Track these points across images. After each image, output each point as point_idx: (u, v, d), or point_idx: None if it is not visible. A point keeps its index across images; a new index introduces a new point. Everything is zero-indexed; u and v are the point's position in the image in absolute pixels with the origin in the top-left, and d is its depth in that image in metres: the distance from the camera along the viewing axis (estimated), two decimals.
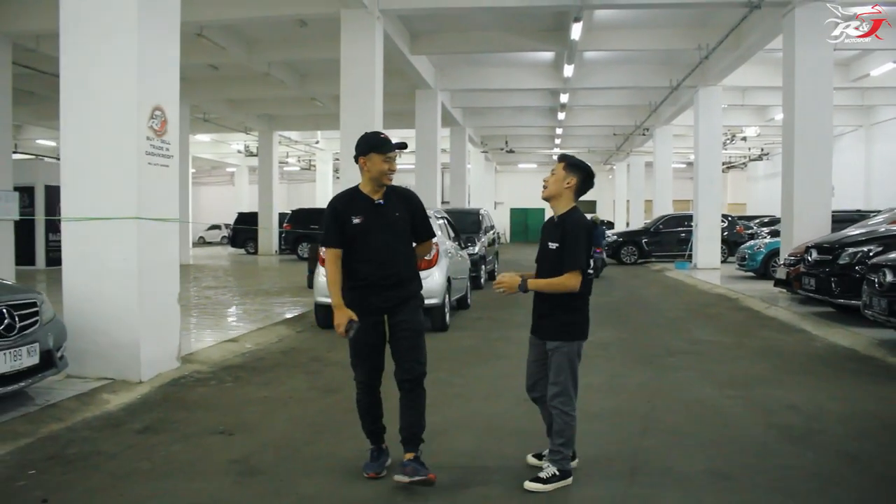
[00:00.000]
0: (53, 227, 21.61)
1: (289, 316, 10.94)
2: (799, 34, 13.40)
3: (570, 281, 4.05)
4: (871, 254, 9.74)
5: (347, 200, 4.32)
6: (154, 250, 6.74)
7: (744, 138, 34.39)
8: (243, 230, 32.58)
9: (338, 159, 41.22)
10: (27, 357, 5.37)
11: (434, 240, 4.66)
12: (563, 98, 24.28)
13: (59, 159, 24.54)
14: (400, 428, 4.28)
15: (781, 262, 13.33)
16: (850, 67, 21.68)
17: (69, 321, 6.34)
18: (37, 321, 5.62)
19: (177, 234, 7.25)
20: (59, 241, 19.53)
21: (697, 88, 21.32)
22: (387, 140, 4.28)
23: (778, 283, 13.33)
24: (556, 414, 4.15)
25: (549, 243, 4.19)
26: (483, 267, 16.11)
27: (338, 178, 45.15)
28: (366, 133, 4.37)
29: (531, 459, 4.48)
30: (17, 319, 5.38)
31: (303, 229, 27.70)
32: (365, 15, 13.57)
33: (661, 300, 14.32)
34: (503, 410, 5.91)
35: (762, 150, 39.89)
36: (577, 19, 14.85)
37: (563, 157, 4.30)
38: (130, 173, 6.44)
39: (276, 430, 5.35)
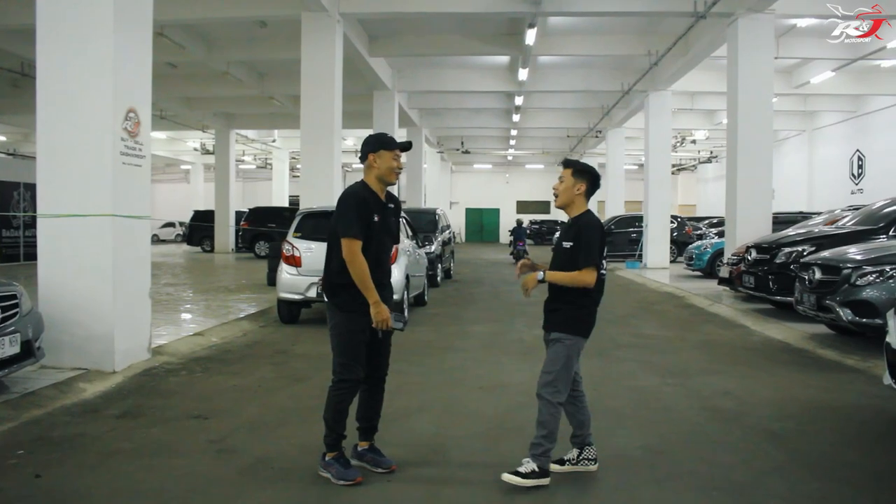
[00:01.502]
0: (6, 222, 21.52)
1: (251, 311, 11.23)
2: (742, 44, 14.08)
3: (586, 276, 4.15)
4: (805, 253, 10.35)
5: (368, 196, 4.33)
6: (127, 246, 7.03)
7: (693, 141, 35.38)
8: (199, 228, 32.51)
9: (294, 158, 41.38)
10: (9, 346, 5.65)
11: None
12: (518, 100, 24.82)
13: (10, 154, 24.46)
14: (359, 418, 4.46)
15: (725, 262, 13.99)
16: (792, 75, 22.58)
17: (45, 313, 6.59)
18: (17, 312, 5.89)
19: (148, 231, 7.55)
20: (13, 237, 19.44)
21: (648, 93, 21.99)
22: (394, 139, 4.44)
23: (721, 281, 13.98)
24: (542, 404, 4.17)
25: (564, 243, 4.31)
26: (439, 265, 16.51)
27: (296, 176, 45.26)
28: (373, 133, 4.54)
29: (553, 466, 4.32)
30: None
31: (260, 227, 27.77)
32: (325, 17, 13.91)
33: (611, 298, 14.80)
34: (459, 396, 6.34)
35: (711, 152, 40.99)
36: (531, 25, 15.37)
37: (568, 164, 4.40)
38: (105, 172, 6.74)
39: (248, 414, 5.71)
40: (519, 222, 29.68)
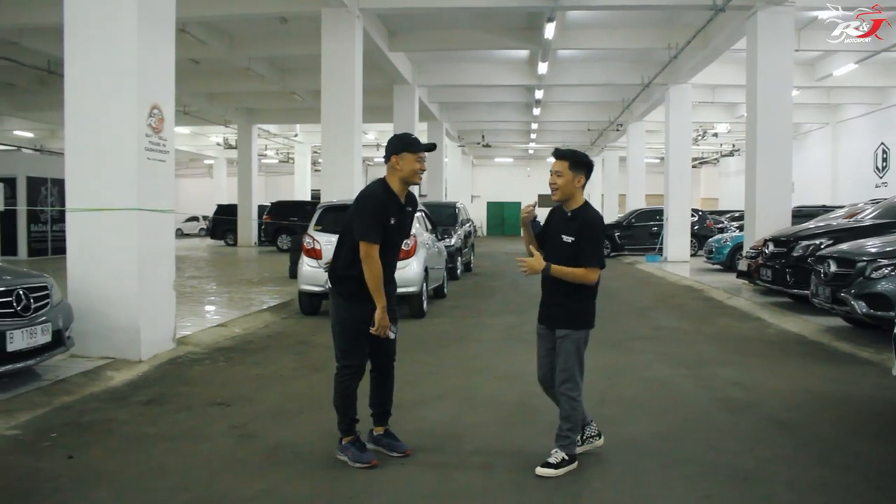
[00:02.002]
0: (34, 217, 21.90)
1: (273, 303, 11.44)
2: (761, 37, 14.05)
3: (591, 275, 4.21)
4: (822, 246, 10.37)
5: (388, 198, 4.36)
6: (152, 239, 7.24)
7: (715, 134, 35.24)
8: (222, 222, 32.87)
9: (316, 152, 41.66)
10: (41, 335, 5.87)
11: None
12: (538, 94, 24.86)
13: (38, 150, 24.94)
14: (372, 404, 4.58)
15: (743, 255, 14.02)
16: (814, 67, 22.42)
17: (73, 304, 6.80)
18: (48, 303, 6.12)
19: (172, 225, 7.76)
20: (41, 232, 19.89)
21: (668, 86, 21.93)
22: (418, 140, 4.44)
23: (740, 274, 13.99)
24: (563, 399, 4.26)
25: (563, 236, 4.27)
26: (459, 258, 16.66)
27: (318, 170, 45.55)
28: (397, 134, 4.59)
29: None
30: (31, 301, 5.87)
31: (282, 221, 28.05)
32: (345, 13, 14.06)
33: (630, 291, 14.94)
34: (476, 385, 6.50)
35: (733, 145, 40.72)
36: (550, 19, 15.41)
37: (563, 155, 4.32)
38: (131, 168, 6.94)
39: (269, 401, 5.90)
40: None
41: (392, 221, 4.32)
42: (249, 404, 5.78)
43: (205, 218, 42.91)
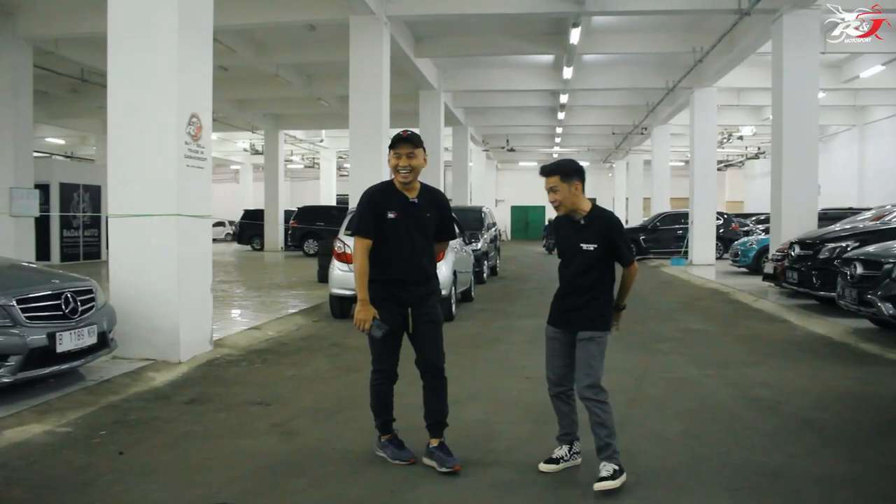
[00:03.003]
0: (67, 223, 22.34)
1: (304, 307, 11.66)
2: (787, 40, 14.09)
3: (634, 270, 4.31)
4: (848, 248, 10.41)
5: (384, 193, 4.41)
6: (191, 244, 7.47)
7: (740, 137, 35.10)
8: (249, 227, 33.26)
9: (341, 157, 42.03)
10: (87, 337, 6.09)
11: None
12: (563, 98, 24.98)
13: (68, 157, 25.39)
14: (425, 415, 4.52)
15: (770, 258, 14.04)
16: (841, 69, 22.36)
17: (115, 307, 7.03)
18: (93, 306, 6.34)
19: (209, 230, 7.99)
20: (73, 237, 20.30)
21: (693, 89, 21.98)
22: (396, 137, 4.37)
23: (766, 277, 14.03)
24: (591, 405, 4.15)
25: (583, 245, 4.21)
26: (486, 262, 16.80)
27: (342, 175, 45.90)
28: None
29: (545, 467, 4.36)
30: (78, 304, 6.10)
31: (309, 226, 28.36)
32: (373, 21, 14.28)
33: (656, 294, 15.01)
34: (506, 385, 6.67)
35: (759, 148, 40.56)
36: (575, 24, 15.57)
37: (551, 171, 4.27)
38: (171, 174, 7.17)
39: (307, 401, 6.09)
40: (551, 221, 30.94)
41: (390, 215, 4.32)
42: (288, 404, 5.97)
43: (231, 223, 43.36)
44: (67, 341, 5.84)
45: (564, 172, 4.25)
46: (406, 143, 4.35)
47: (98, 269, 16.98)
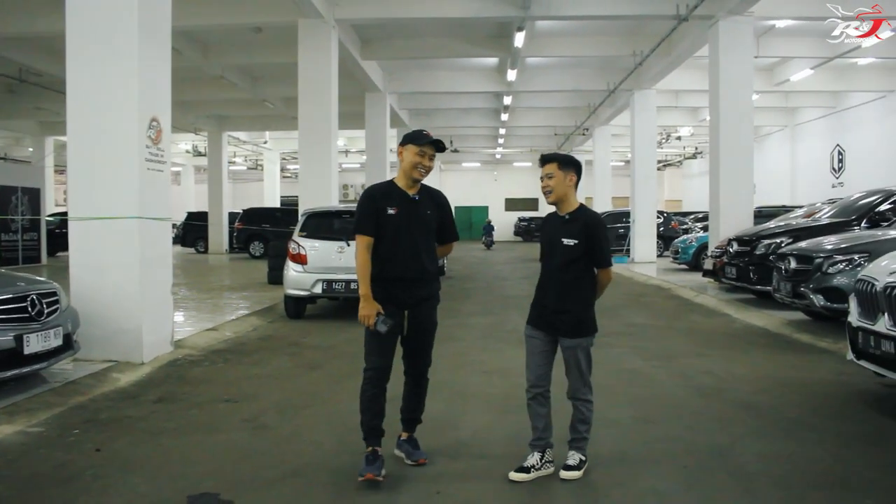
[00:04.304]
0: (5, 226, 21.86)
1: (257, 308, 11.73)
2: (722, 45, 14.71)
3: (609, 276, 4.35)
4: (782, 244, 10.95)
5: (384, 190, 4.44)
6: (152, 246, 7.56)
7: (678, 138, 36.10)
8: (193, 229, 32.90)
9: (285, 159, 41.89)
10: (54, 339, 6.16)
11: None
12: (507, 100, 25.41)
13: (2, 159, 24.79)
14: (402, 409, 4.61)
15: (709, 255, 14.60)
16: (773, 73, 23.23)
17: (77, 310, 7.08)
18: (58, 308, 6.41)
19: (169, 232, 8.08)
20: (12, 241, 19.85)
21: (633, 91, 22.61)
22: (425, 134, 4.38)
23: (706, 273, 14.59)
24: (580, 404, 4.31)
25: (564, 240, 4.25)
26: None
27: (286, 177, 45.67)
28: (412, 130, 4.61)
29: (515, 476, 4.27)
30: (44, 306, 6.17)
31: (255, 228, 28.24)
32: (321, 24, 14.44)
33: None
34: (465, 379, 6.91)
35: (696, 148, 41.68)
36: (520, 28, 15.95)
37: (551, 158, 4.34)
38: (132, 178, 7.25)
39: (273, 397, 6.25)
40: (488, 222, 41.90)
41: (390, 211, 4.33)
42: (255, 401, 6.13)
43: (174, 225, 42.78)
44: (34, 343, 5.91)
45: (563, 161, 4.33)
46: (433, 147, 4.39)
47: (41, 273, 16.73)
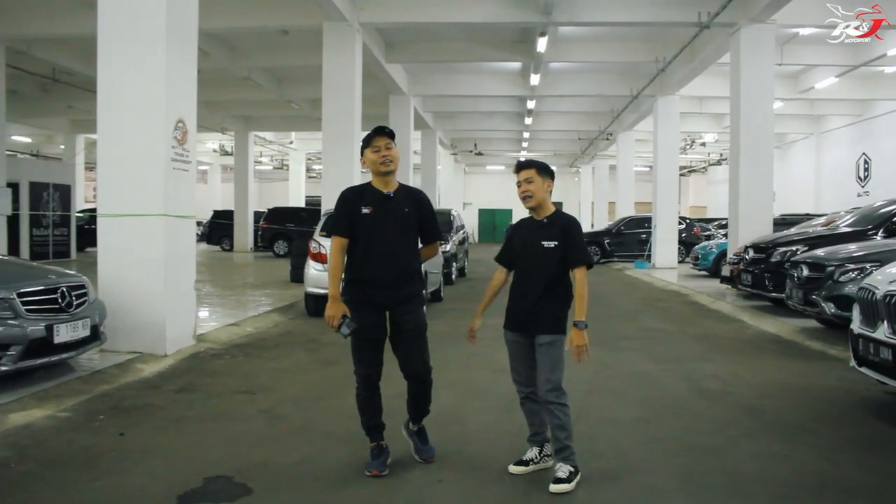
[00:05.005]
0: (36, 222, 22.37)
1: (279, 305, 12.02)
2: (744, 52, 14.79)
3: (585, 276, 4.28)
4: (798, 252, 11.03)
5: (359, 190, 4.44)
6: (176, 243, 7.85)
7: (703, 144, 36.04)
8: (218, 227, 33.36)
9: (311, 159, 42.32)
10: (82, 329, 6.46)
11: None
12: (530, 104, 25.56)
13: (34, 155, 25.37)
14: (408, 408, 4.59)
15: (727, 261, 14.67)
16: (798, 80, 23.22)
17: (104, 302, 7.37)
18: (86, 300, 6.70)
19: (193, 230, 8.36)
20: (43, 236, 20.39)
21: (656, 97, 22.67)
22: (370, 134, 4.38)
23: (724, 280, 14.66)
24: (553, 408, 4.22)
25: (545, 243, 4.29)
26: (454, 264, 17.25)
27: (311, 177, 46.08)
28: None
29: (514, 469, 4.44)
30: (73, 298, 6.46)
31: (279, 227, 28.61)
32: (346, 27, 14.70)
33: (618, 296, 15.57)
34: (475, 377, 7.14)
35: (721, 155, 41.50)
36: (542, 34, 16.12)
37: (529, 165, 4.39)
38: (159, 177, 7.56)
39: (290, 390, 6.51)
40: (510, 225, 36.51)
41: (364, 211, 4.30)
42: (272, 392, 6.38)
43: (200, 224, 43.36)
44: (64, 333, 6.21)
45: (540, 167, 4.40)
46: (382, 136, 4.37)
47: (71, 267, 17.17)
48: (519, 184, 4.41)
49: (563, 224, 4.36)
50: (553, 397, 4.23)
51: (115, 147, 7.68)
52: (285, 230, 28.24)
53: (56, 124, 31.36)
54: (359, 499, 4.06)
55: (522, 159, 4.59)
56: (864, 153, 28.08)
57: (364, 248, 4.31)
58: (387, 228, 4.32)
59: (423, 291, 4.50)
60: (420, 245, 4.59)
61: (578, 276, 4.29)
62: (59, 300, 6.32)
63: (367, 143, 4.38)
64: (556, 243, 4.30)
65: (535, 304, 4.33)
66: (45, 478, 4.26)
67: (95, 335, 6.76)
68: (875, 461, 4.75)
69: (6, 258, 7.65)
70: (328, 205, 14.28)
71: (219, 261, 25.90)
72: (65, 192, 23.58)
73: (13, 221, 21.08)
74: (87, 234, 26.86)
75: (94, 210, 31.12)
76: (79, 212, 26.97)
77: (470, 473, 4.45)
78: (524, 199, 4.39)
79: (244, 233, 31.81)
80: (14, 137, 35.04)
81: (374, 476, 4.34)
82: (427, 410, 4.62)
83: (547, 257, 4.31)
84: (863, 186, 27.91)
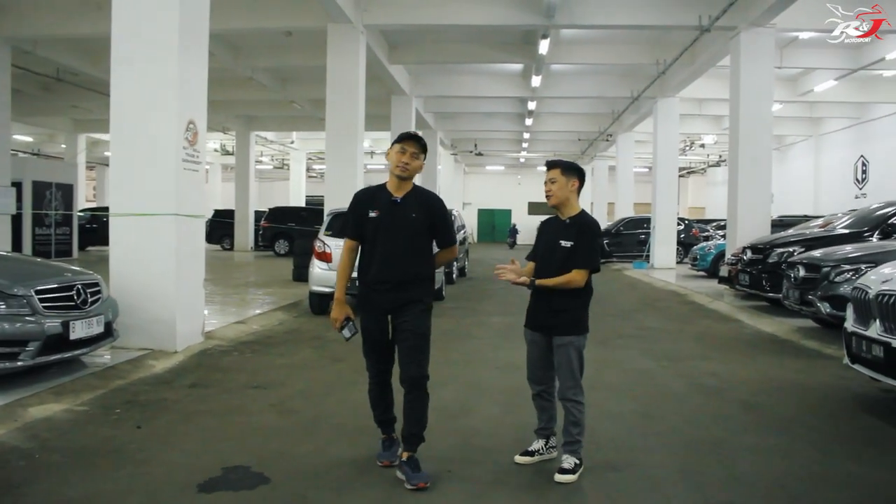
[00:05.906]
0: (38, 221, 22.50)
1: (283, 304, 12.18)
2: (744, 55, 14.94)
3: (578, 277, 4.32)
4: (794, 253, 11.20)
5: (370, 193, 4.45)
6: (187, 241, 8.02)
7: (702, 145, 36.21)
8: (219, 226, 33.50)
9: (311, 159, 42.46)
10: (96, 326, 6.62)
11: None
12: (531, 105, 25.74)
13: (35, 154, 25.47)
14: (402, 426, 4.39)
15: (725, 262, 14.85)
16: (797, 83, 23.37)
17: (116, 300, 7.53)
18: (100, 298, 6.86)
19: (203, 229, 8.53)
20: (45, 235, 20.54)
21: (656, 99, 22.83)
22: (406, 134, 4.40)
23: (722, 280, 14.84)
24: (570, 406, 4.38)
25: (562, 241, 4.38)
26: (455, 264, 17.41)
27: (311, 176, 46.20)
28: None
29: (520, 458, 4.60)
30: (88, 295, 6.62)
31: (280, 226, 28.76)
32: (350, 29, 14.84)
33: (618, 296, 15.75)
34: (479, 374, 7.32)
35: (720, 156, 41.62)
36: (544, 36, 16.30)
37: (555, 164, 4.48)
38: (170, 177, 7.73)
39: (299, 385, 6.68)
40: (514, 225, 47.70)
41: (372, 214, 4.31)
42: (282, 387, 6.55)
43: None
44: (79, 329, 6.37)
45: (565, 167, 4.48)
46: (415, 143, 4.36)
47: (74, 266, 17.32)
48: (546, 182, 4.53)
49: (579, 225, 4.44)
50: (571, 395, 4.40)
51: (128, 148, 7.85)
52: (286, 229, 28.38)
53: (58, 123, 31.50)
54: (373, 486, 4.23)
55: (551, 159, 4.70)
56: (861, 156, 28.26)
57: (369, 251, 4.36)
58: (390, 232, 4.30)
59: (429, 297, 4.47)
60: (436, 250, 4.58)
61: (577, 274, 4.35)
62: (75, 297, 6.48)
63: (398, 140, 4.39)
64: (571, 243, 4.38)
65: (556, 303, 4.41)
66: (70, 467, 4.42)
67: (109, 332, 6.92)
68: (868, 454, 4.93)
69: (23, 257, 7.80)
70: (332, 204, 14.44)
71: (220, 260, 26.01)
72: (67, 192, 23.69)
73: (16, 220, 21.23)
74: (89, 234, 27.04)
75: (95, 209, 31.33)
76: (80, 211, 27.10)
77: (477, 464, 4.62)
78: (546, 197, 4.50)
79: (245, 232, 31.93)
80: (16, 136, 35.19)
81: (385, 466, 4.50)
82: (420, 430, 4.35)
83: (563, 255, 4.39)
84: (860, 189, 28.08)
